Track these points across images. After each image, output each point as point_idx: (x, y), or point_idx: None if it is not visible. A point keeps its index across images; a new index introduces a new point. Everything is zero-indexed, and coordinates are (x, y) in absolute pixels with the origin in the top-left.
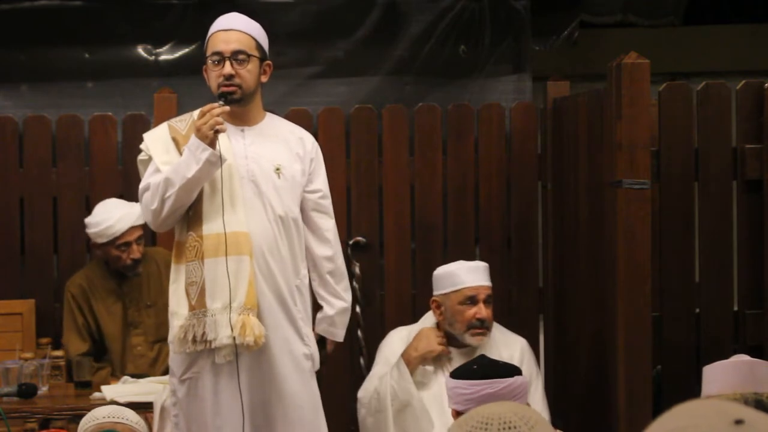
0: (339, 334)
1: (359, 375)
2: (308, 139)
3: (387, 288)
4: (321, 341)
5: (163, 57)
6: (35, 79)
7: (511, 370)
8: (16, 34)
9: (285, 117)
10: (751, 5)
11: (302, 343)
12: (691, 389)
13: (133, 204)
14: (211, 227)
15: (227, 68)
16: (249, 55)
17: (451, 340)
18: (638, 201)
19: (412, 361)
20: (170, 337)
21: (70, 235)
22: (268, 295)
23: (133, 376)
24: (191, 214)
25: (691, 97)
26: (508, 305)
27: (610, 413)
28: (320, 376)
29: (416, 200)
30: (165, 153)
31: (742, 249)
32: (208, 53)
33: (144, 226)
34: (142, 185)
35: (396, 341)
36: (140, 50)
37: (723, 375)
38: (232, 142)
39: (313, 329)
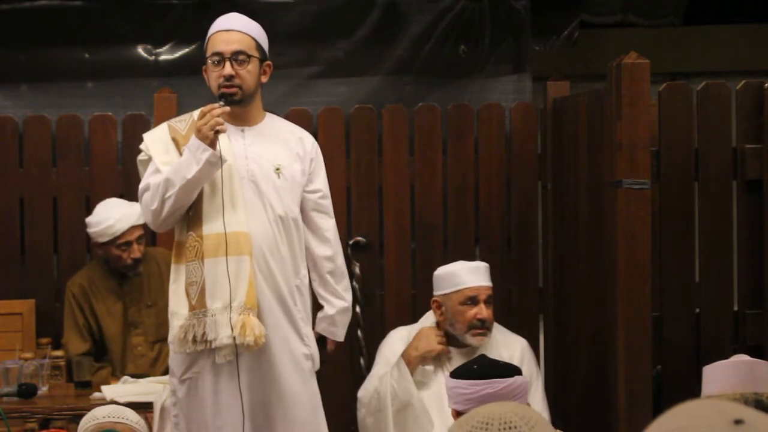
0: (339, 334)
1: (359, 375)
2: (308, 139)
3: (387, 288)
4: (322, 341)
5: (163, 57)
6: (35, 79)
7: (511, 370)
8: (16, 34)
9: (285, 117)
10: (751, 5)
11: (302, 343)
12: (691, 389)
13: (134, 204)
14: (211, 227)
15: (227, 69)
16: (249, 56)
17: (451, 339)
18: (638, 201)
19: (412, 360)
20: (170, 337)
21: (70, 235)
22: (268, 295)
23: (133, 376)
24: (191, 214)
25: (691, 97)
26: (508, 305)
27: (610, 413)
28: (320, 376)
29: (416, 200)
30: (165, 153)
31: (742, 249)
32: (208, 54)
33: (145, 226)
34: (141, 185)
35: (396, 341)
36: (140, 50)
37: (723, 375)
38: (232, 142)
39: (314, 329)
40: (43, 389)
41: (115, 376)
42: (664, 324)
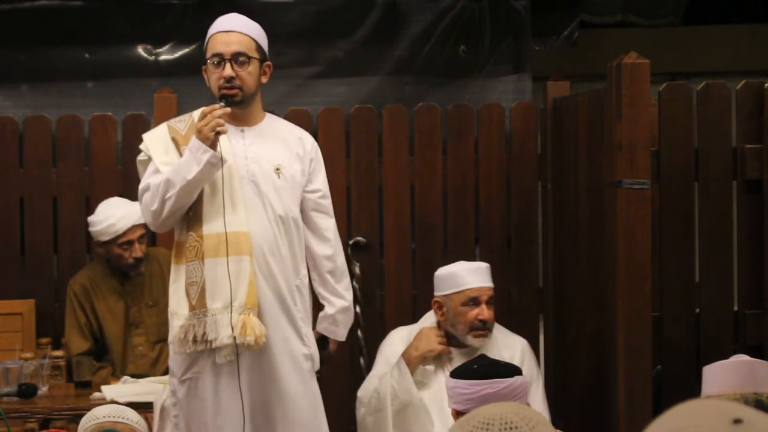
0: (341, 333)
1: (359, 375)
2: (308, 139)
3: (387, 288)
4: (323, 341)
5: (163, 57)
6: (35, 79)
7: (512, 370)
8: (16, 34)
9: (285, 117)
10: (751, 5)
11: (302, 343)
12: (691, 389)
13: (136, 203)
14: (211, 227)
15: (228, 70)
16: (249, 57)
17: (451, 340)
18: (638, 201)
19: (413, 360)
20: (170, 338)
21: (70, 235)
22: (268, 295)
23: (133, 376)
24: (191, 214)
25: (691, 97)
26: (508, 305)
27: (610, 413)
28: (320, 376)
29: (416, 200)
30: (165, 153)
31: (742, 249)
32: (208, 55)
33: (146, 226)
34: (141, 186)
35: (396, 341)
36: (140, 50)
37: (723, 375)
38: (231, 142)
39: (315, 329)
40: (43, 389)
41: (115, 376)
42: (664, 324)
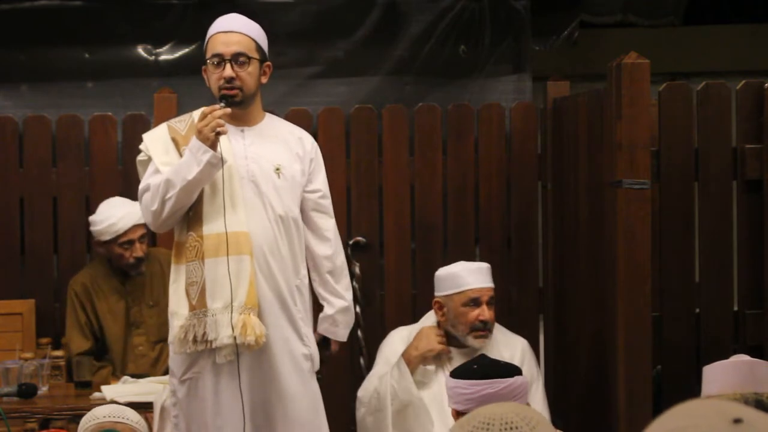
0: (341, 334)
1: (359, 375)
2: (307, 139)
3: (387, 288)
4: (325, 342)
5: (163, 57)
6: (35, 79)
7: (512, 370)
8: (16, 34)
9: (285, 117)
10: (751, 5)
11: (301, 344)
12: (691, 389)
13: (137, 203)
14: (211, 227)
15: (228, 71)
16: (249, 58)
17: (451, 339)
18: (638, 201)
19: (413, 360)
20: (170, 338)
21: (70, 235)
22: (268, 295)
23: (133, 376)
24: (191, 214)
25: (691, 97)
26: (508, 305)
27: (610, 413)
28: (320, 376)
29: (416, 200)
30: (164, 153)
31: (742, 249)
32: (208, 55)
33: (147, 226)
34: (141, 186)
35: (397, 341)
36: (140, 50)
37: (723, 375)
38: (231, 142)
39: (316, 331)
40: (43, 389)
41: (115, 375)
42: (664, 324)
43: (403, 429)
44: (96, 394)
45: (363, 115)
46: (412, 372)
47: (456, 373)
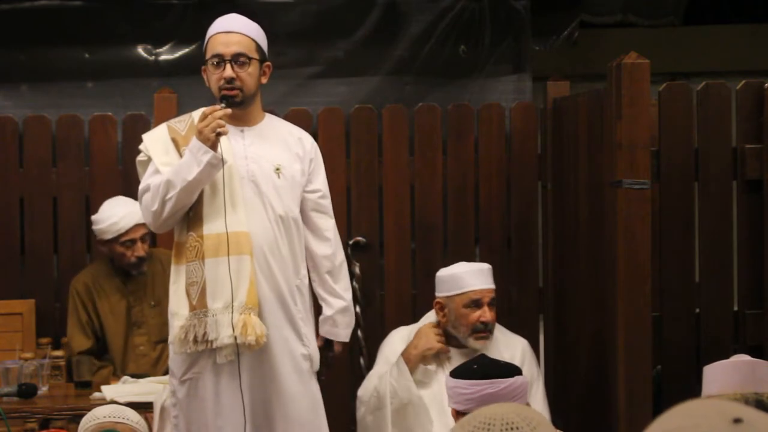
0: (342, 335)
1: (359, 375)
2: (307, 139)
3: (387, 288)
4: (328, 344)
5: (163, 57)
6: (35, 79)
7: (512, 370)
8: (16, 34)
9: (285, 117)
10: (751, 5)
11: (301, 344)
12: (691, 389)
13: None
14: (211, 227)
15: (228, 71)
16: (249, 58)
17: (452, 340)
18: (638, 201)
19: (412, 359)
20: (171, 338)
21: (70, 235)
22: (268, 295)
23: (134, 375)
24: (191, 214)
25: (691, 97)
26: (508, 305)
27: (610, 413)
28: (322, 378)
29: (416, 200)
30: (164, 154)
31: (742, 249)
32: (208, 55)
33: None
34: (141, 186)
35: (397, 341)
36: (140, 50)
37: (723, 375)
38: (231, 142)
39: (318, 335)
40: (43, 389)
41: (116, 375)
42: (664, 324)
43: (402, 428)
44: (96, 394)
45: (363, 115)
46: (412, 371)
47: (456, 373)
